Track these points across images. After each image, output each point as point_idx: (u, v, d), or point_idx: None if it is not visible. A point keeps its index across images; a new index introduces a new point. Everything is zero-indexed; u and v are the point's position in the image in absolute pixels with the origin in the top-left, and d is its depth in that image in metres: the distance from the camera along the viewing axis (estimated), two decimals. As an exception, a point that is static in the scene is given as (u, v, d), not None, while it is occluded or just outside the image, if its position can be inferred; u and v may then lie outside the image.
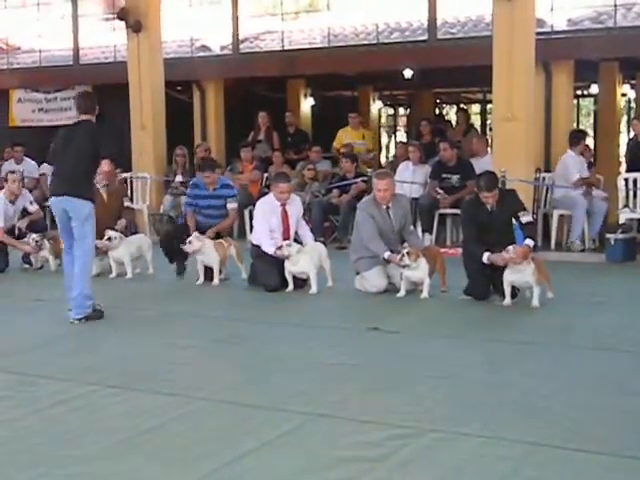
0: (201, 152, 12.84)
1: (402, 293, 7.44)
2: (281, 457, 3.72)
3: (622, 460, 3.57)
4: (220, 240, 8.47)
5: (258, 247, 7.97)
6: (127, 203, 9.72)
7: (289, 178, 8.46)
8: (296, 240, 8.09)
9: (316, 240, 8.70)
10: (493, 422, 4.06)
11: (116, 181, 9.91)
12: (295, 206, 8.18)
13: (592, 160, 12.14)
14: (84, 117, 6.87)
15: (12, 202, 9.64)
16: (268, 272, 7.86)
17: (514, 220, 7.18)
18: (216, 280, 8.26)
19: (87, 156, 6.70)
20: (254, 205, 8.78)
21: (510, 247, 6.82)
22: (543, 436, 3.84)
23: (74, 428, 4.17)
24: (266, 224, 7.97)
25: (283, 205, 8.03)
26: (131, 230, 9.44)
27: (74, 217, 6.65)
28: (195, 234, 8.24)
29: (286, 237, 8.00)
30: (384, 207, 7.69)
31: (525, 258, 6.81)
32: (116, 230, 8.82)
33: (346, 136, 13.37)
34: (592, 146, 15.37)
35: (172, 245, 8.52)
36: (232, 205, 8.72)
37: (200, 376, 5.04)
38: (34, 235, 9.34)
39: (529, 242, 6.94)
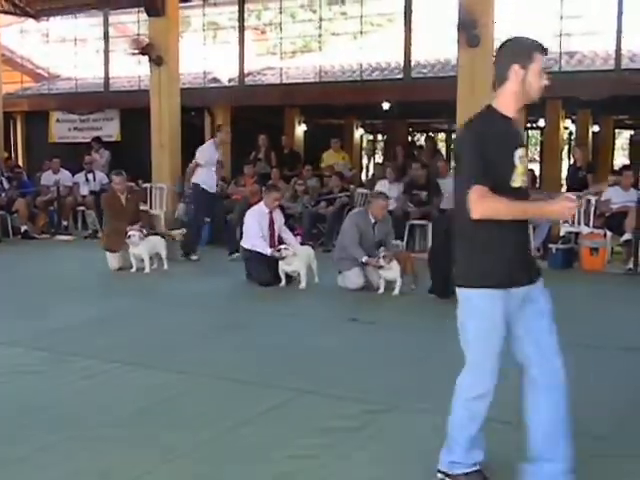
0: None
1: (382, 290, 7.41)
2: (271, 426, 3.72)
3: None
4: None
5: (249, 250, 7.91)
6: (144, 207, 9.61)
7: (279, 189, 8.44)
8: (281, 242, 8.02)
9: (306, 244, 8.67)
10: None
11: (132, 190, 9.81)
12: (279, 214, 8.15)
13: (535, 183, 12.08)
14: None
15: None
16: (260, 270, 7.78)
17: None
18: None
19: None
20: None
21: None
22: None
23: (99, 398, 4.16)
24: (259, 229, 7.92)
25: (270, 212, 8.00)
26: (147, 230, 9.29)
27: None
28: None
29: (273, 239, 7.92)
30: (372, 221, 7.65)
31: None
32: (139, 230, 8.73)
33: (329, 158, 13.41)
34: (538, 171, 15.46)
35: None
36: None
37: (205, 357, 5.02)
38: None
39: None
